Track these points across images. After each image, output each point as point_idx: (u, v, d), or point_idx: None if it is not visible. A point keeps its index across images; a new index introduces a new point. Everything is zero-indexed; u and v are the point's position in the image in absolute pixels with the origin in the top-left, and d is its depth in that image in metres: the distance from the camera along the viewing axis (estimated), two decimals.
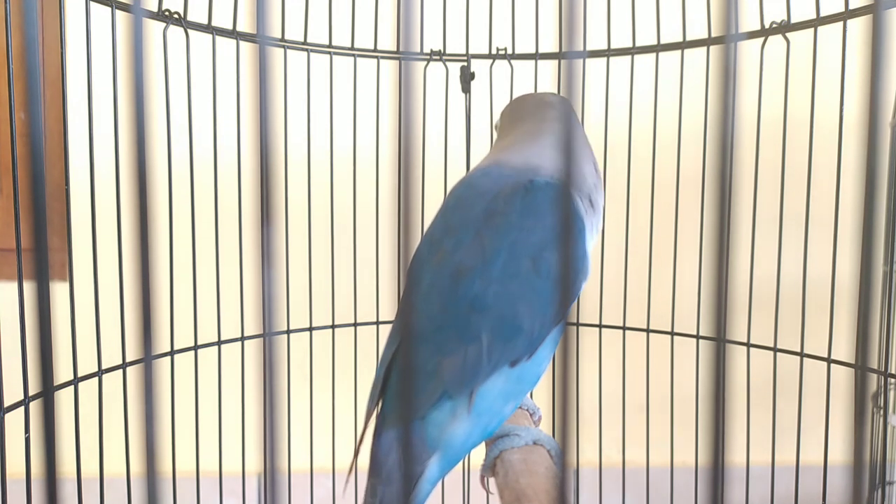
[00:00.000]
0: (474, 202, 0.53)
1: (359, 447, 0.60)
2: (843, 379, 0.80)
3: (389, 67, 0.99)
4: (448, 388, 0.50)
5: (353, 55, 0.95)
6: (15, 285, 0.60)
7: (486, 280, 0.49)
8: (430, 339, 0.52)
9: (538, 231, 0.50)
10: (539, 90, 0.97)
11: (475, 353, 0.49)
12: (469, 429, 0.51)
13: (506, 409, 0.52)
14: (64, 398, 0.70)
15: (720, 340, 0.21)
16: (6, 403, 0.61)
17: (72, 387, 0.70)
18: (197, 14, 0.83)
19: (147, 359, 0.20)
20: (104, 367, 0.75)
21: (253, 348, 0.92)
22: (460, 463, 0.97)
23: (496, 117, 1.00)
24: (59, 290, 0.60)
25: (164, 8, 0.79)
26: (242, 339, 0.89)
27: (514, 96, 0.96)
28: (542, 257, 0.49)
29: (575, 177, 0.53)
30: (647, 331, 0.95)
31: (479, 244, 0.51)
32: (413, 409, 0.50)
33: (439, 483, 0.54)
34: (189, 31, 0.81)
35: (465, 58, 0.98)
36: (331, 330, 0.97)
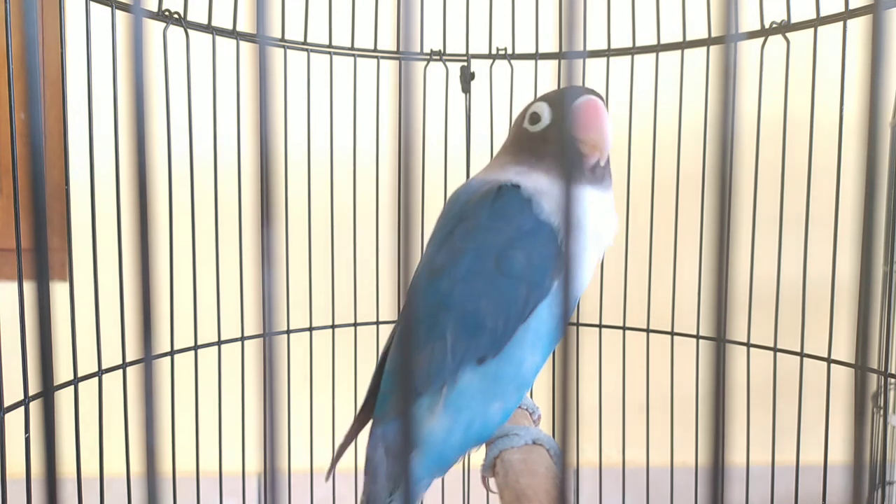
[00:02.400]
0: (452, 207, 0.56)
1: (342, 448, 0.62)
2: (843, 379, 0.80)
3: (389, 67, 0.99)
4: (417, 384, 0.52)
5: (353, 55, 0.95)
6: (15, 285, 0.60)
7: (453, 279, 0.51)
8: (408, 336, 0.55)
9: (504, 232, 0.51)
10: (540, 90, 0.97)
11: (440, 350, 0.51)
12: (448, 426, 0.52)
13: (490, 410, 0.52)
14: (64, 398, 0.70)
15: (720, 340, 0.21)
16: (6, 403, 0.61)
17: (72, 387, 0.70)
18: (197, 14, 0.83)
19: (147, 359, 0.20)
20: (104, 367, 0.75)
21: (253, 348, 0.92)
22: (459, 463, 0.97)
23: (497, 117, 1.01)
24: (59, 290, 0.60)
25: (164, 8, 0.79)
26: (242, 339, 0.89)
27: (515, 96, 0.97)
28: (505, 256, 0.50)
29: (539, 185, 0.52)
30: (647, 331, 0.95)
31: (451, 245, 0.53)
32: (409, 404, 0.51)
33: (439, 483, 0.54)
34: (189, 31, 0.81)
35: (465, 58, 0.98)
36: (331, 330, 0.97)
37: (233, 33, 0.86)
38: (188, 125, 0.82)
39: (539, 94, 0.59)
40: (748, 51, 0.86)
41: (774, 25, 0.81)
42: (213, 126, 0.85)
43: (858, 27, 0.75)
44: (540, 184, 0.52)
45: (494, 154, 0.60)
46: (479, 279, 0.51)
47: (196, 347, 0.86)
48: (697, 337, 0.90)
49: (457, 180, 0.97)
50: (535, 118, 0.54)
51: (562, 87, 0.56)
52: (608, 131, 0.51)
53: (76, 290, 0.71)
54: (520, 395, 0.54)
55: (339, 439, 0.64)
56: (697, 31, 0.91)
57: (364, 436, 0.60)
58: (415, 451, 0.53)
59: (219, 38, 0.85)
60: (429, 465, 0.53)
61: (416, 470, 0.53)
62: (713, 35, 0.89)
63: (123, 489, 0.77)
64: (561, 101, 0.54)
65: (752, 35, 0.84)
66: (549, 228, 0.50)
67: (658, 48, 0.92)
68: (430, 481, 0.56)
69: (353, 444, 0.62)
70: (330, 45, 0.94)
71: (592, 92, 0.53)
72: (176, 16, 0.80)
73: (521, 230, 0.50)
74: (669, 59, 0.93)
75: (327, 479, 0.63)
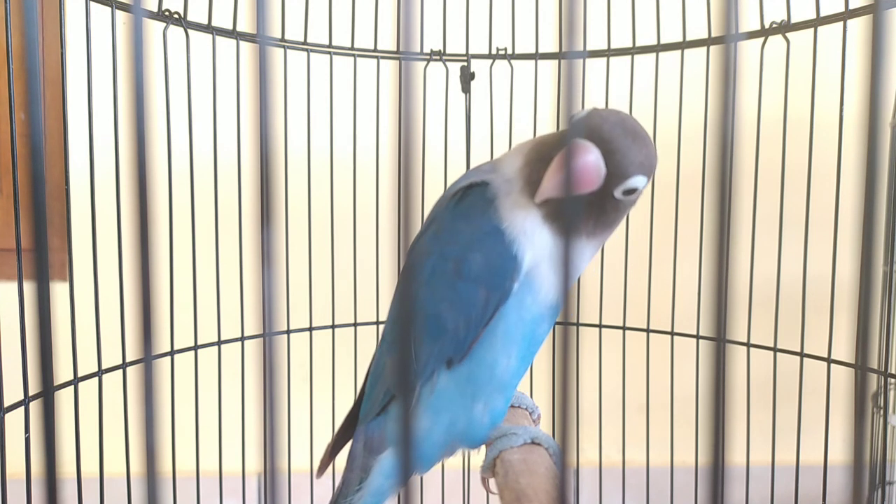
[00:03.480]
0: (434, 208, 0.57)
1: (331, 449, 0.63)
2: (843, 379, 0.80)
3: (389, 67, 0.99)
4: (390, 386, 0.54)
5: (353, 55, 0.95)
6: (15, 285, 0.60)
7: (419, 282, 0.52)
8: (385, 339, 0.58)
9: (464, 234, 0.51)
10: (537, 92, 0.97)
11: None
12: (427, 426, 0.53)
13: (474, 411, 0.53)
14: (64, 398, 0.69)
15: (720, 340, 0.21)
16: (6, 403, 0.61)
17: (72, 387, 0.70)
18: (197, 14, 0.83)
19: (147, 359, 0.20)
20: (104, 367, 0.75)
21: (253, 348, 0.92)
22: (459, 461, 0.97)
23: (497, 117, 1.01)
24: (59, 290, 0.60)
25: (164, 8, 0.79)
26: (242, 339, 0.89)
27: (515, 96, 0.97)
28: (464, 259, 0.50)
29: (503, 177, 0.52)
30: (647, 331, 0.95)
31: (420, 248, 0.53)
32: (408, 396, 0.52)
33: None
34: (189, 31, 0.81)
35: (465, 58, 0.98)
36: (331, 330, 0.97)
37: (233, 33, 0.86)
38: (188, 125, 0.82)
39: (581, 109, 0.54)
40: (748, 51, 0.86)
41: (774, 25, 0.81)
42: (213, 126, 0.85)
43: (858, 27, 0.75)
44: (514, 186, 0.50)
45: (494, 155, 0.60)
46: (441, 282, 0.51)
47: (196, 347, 0.86)
48: (697, 337, 0.90)
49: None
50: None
51: (606, 109, 0.51)
52: (559, 185, 0.46)
53: (76, 290, 0.71)
54: (505, 397, 0.54)
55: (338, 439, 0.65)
56: (697, 31, 0.90)
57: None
58: (390, 449, 0.55)
59: (219, 38, 0.85)
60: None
61: (388, 466, 0.55)
62: (713, 35, 0.89)
63: (123, 489, 0.77)
64: (579, 124, 0.48)
65: (752, 35, 0.84)
66: (502, 231, 0.50)
67: (658, 48, 0.92)
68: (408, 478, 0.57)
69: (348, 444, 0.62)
70: (330, 45, 0.94)
71: (603, 135, 0.47)
72: (176, 16, 0.80)
73: (480, 232, 0.50)
74: (669, 59, 0.92)
75: (318, 476, 0.64)
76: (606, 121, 0.48)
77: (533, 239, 0.49)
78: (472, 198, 0.52)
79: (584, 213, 0.49)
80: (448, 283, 0.51)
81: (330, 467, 0.65)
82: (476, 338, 0.51)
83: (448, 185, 0.96)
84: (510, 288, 0.50)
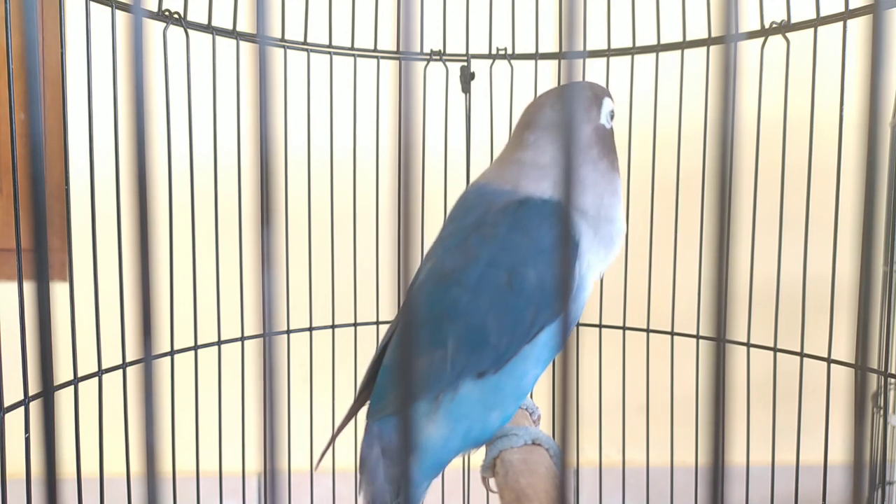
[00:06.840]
0: (471, 211, 0.54)
1: (337, 432, 0.61)
2: (843, 379, 0.80)
3: (389, 67, 0.99)
4: (414, 388, 0.51)
5: (353, 55, 0.95)
6: (15, 285, 0.60)
7: (462, 288, 0.50)
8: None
9: (521, 247, 0.49)
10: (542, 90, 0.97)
11: (440, 359, 0.50)
12: (446, 433, 0.52)
13: (490, 418, 0.52)
14: (64, 398, 0.69)
15: (720, 340, 0.21)
16: (6, 403, 0.61)
17: (72, 387, 0.70)
18: (197, 14, 0.83)
19: (147, 359, 0.20)
20: (104, 367, 0.75)
21: (253, 348, 0.92)
22: (459, 461, 0.97)
23: (497, 117, 1.01)
24: (59, 290, 0.60)
25: (164, 8, 0.79)
26: (242, 339, 0.89)
27: (515, 96, 0.97)
28: (518, 273, 0.49)
29: (578, 200, 0.51)
30: (647, 331, 0.95)
31: (465, 252, 0.51)
32: (408, 408, 0.51)
33: (439, 483, 0.54)
34: (189, 31, 0.81)
35: (465, 58, 0.98)
36: (331, 330, 0.97)
37: (233, 33, 0.86)
38: (188, 125, 0.82)
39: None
40: (748, 51, 0.86)
41: (774, 25, 0.81)
42: (213, 126, 0.85)
43: (858, 27, 0.75)
44: (587, 198, 0.52)
45: (494, 155, 0.60)
46: (489, 293, 0.49)
47: (196, 347, 0.86)
48: (697, 337, 0.90)
49: (457, 180, 0.97)
50: (613, 115, 0.57)
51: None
52: None
53: (76, 290, 0.71)
54: (518, 404, 0.54)
55: (340, 439, 0.65)
56: (697, 31, 0.90)
57: (354, 426, 0.60)
58: (412, 456, 0.53)
59: (219, 38, 0.85)
60: (426, 469, 0.53)
61: (414, 474, 0.53)
62: (713, 35, 0.89)
63: (123, 489, 0.77)
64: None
65: (752, 35, 0.84)
66: (573, 249, 0.49)
67: (658, 48, 0.92)
68: (428, 484, 0.56)
69: (353, 444, 0.62)
70: (330, 45, 0.94)
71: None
72: (176, 16, 0.80)
73: (539, 246, 0.49)
74: (669, 59, 0.92)
75: (316, 467, 0.63)
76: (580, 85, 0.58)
77: (592, 256, 0.52)
78: (533, 209, 0.50)
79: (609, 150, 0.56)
80: (498, 295, 0.49)
81: (330, 468, 0.65)
82: (516, 353, 0.50)
83: (447, 185, 0.96)
84: (560, 309, 0.49)
